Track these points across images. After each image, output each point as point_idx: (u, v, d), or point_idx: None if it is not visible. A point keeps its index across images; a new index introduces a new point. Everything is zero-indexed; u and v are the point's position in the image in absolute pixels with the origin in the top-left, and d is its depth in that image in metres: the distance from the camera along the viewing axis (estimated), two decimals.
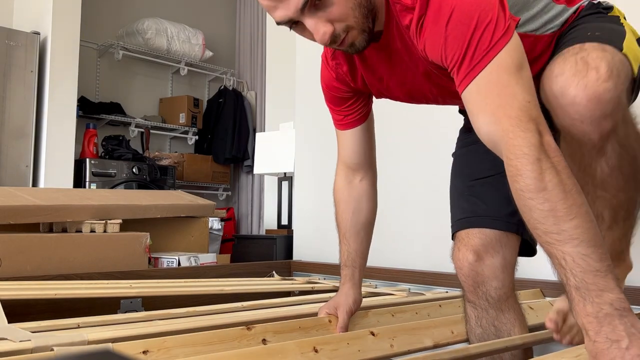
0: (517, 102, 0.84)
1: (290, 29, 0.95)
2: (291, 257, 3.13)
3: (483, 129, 0.87)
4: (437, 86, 1.08)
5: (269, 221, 4.19)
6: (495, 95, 0.85)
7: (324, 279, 2.48)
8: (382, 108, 2.99)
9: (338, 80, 1.17)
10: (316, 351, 1.08)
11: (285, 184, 3.72)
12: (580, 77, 0.87)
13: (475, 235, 1.18)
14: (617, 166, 0.97)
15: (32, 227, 2.22)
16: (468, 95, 0.88)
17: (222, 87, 4.95)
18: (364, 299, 1.63)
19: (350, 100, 1.21)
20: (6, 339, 1.05)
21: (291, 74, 3.73)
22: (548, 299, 1.82)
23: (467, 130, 1.32)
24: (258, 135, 4.02)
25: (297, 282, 2.31)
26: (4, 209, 2.05)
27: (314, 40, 0.95)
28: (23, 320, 1.27)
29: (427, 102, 1.18)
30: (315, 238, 3.01)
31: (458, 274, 1.21)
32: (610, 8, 1.10)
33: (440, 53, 0.91)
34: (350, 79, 1.15)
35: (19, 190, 2.37)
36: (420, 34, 0.93)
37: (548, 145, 0.82)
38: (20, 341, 1.02)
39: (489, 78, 0.86)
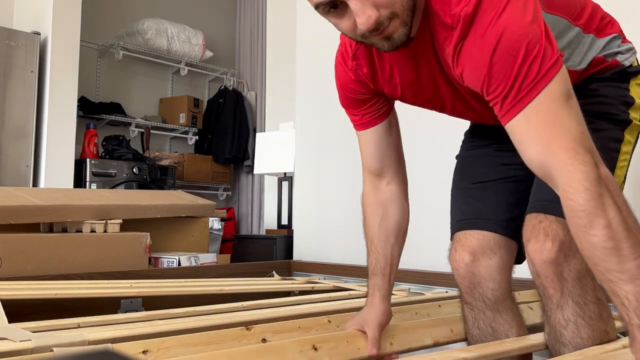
0: (571, 133, 0.84)
1: (328, 12, 0.90)
2: (291, 257, 3.13)
3: (535, 159, 0.87)
4: (463, 103, 1.07)
5: (269, 221, 4.19)
6: (547, 127, 0.85)
7: (324, 279, 2.48)
8: None
9: (357, 82, 1.13)
10: (315, 349, 1.08)
11: (285, 184, 3.72)
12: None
13: (472, 236, 1.18)
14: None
15: (32, 227, 2.22)
16: (516, 125, 0.87)
17: (222, 87, 4.95)
18: (363, 299, 1.63)
19: (368, 102, 1.16)
20: (6, 338, 1.05)
21: (291, 74, 3.73)
22: None
23: (473, 134, 1.32)
24: (258, 135, 4.02)
25: (297, 282, 2.31)
26: (4, 209, 2.05)
27: (348, 29, 0.91)
28: (23, 320, 1.27)
29: (441, 112, 1.16)
30: (315, 238, 3.01)
31: (455, 275, 1.20)
32: (635, 73, 1.10)
33: (481, 82, 0.89)
34: (371, 81, 1.11)
35: (19, 190, 2.37)
36: (458, 58, 0.91)
37: (607, 178, 0.83)
38: (21, 341, 1.02)
39: (539, 109, 0.85)
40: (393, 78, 1.08)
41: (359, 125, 1.19)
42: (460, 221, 1.23)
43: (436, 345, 1.29)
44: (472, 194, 1.24)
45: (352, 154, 2.89)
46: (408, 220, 1.24)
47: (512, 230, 1.17)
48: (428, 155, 2.50)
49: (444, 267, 2.28)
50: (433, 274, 2.20)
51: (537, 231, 1.02)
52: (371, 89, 1.13)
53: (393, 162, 1.21)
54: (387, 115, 1.18)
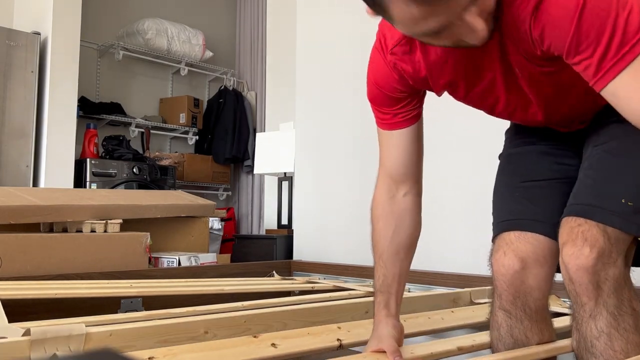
0: None
1: (427, 41, 0.86)
2: (291, 257, 3.13)
3: None
4: (519, 96, 1.01)
5: (269, 221, 4.20)
6: None
7: (324, 278, 2.48)
8: None
9: (395, 78, 1.03)
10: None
11: (285, 184, 3.72)
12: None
13: (526, 240, 1.09)
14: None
15: (33, 227, 2.22)
16: (621, 83, 0.82)
17: (222, 87, 4.95)
18: (366, 299, 1.63)
19: (403, 101, 1.07)
20: (6, 338, 1.05)
21: (291, 74, 3.73)
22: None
23: (518, 131, 1.24)
24: (258, 135, 4.02)
25: (297, 282, 2.32)
26: (4, 209, 2.05)
27: (453, 45, 0.86)
28: (23, 320, 1.27)
29: (490, 111, 1.09)
30: (315, 238, 3.01)
31: (497, 280, 1.10)
32: None
33: (568, 43, 0.83)
34: (411, 77, 1.02)
35: (19, 190, 2.37)
36: (536, 19, 0.84)
37: None
38: (22, 335, 1.02)
39: None
40: (445, 70, 0.99)
41: (389, 124, 1.10)
42: (510, 221, 1.13)
43: (462, 352, 1.26)
44: (524, 192, 1.14)
45: (352, 154, 2.90)
46: (419, 234, 1.17)
47: (555, 230, 1.10)
48: (431, 152, 2.49)
49: (444, 267, 2.28)
50: (433, 273, 2.20)
51: (575, 235, 0.97)
52: (409, 85, 1.04)
53: (415, 169, 1.13)
54: (418, 119, 1.10)
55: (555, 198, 1.11)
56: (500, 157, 1.27)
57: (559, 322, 1.31)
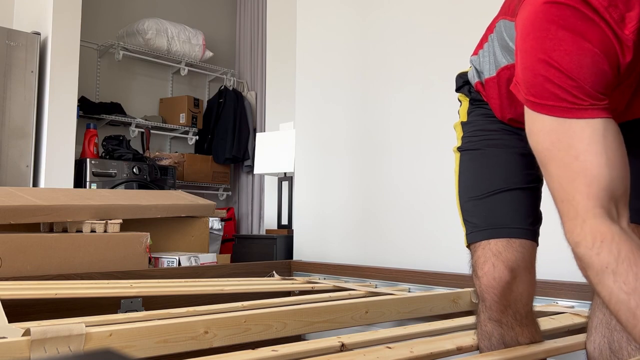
0: None
1: None
2: (291, 257, 3.13)
3: None
4: None
5: (269, 221, 4.20)
6: None
7: (324, 278, 2.48)
8: (384, 106, 2.97)
9: (618, 41, 0.76)
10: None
11: (285, 184, 3.72)
12: None
13: (514, 249, 1.03)
14: None
15: (33, 227, 2.22)
16: None
17: (222, 87, 4.95)
18: (366, 299, 1.63)
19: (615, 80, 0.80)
20: (6, 338, 1.05)
21: (291, 74, 3.73)
22: (559, 301, 1.82)
23: (485, 126, 1.16)
24: (258, 135, 4.02)
25: (297, 282, 2.32)
26: (4, 209, 2.05)
27: None
28: (23, 320, 1.27)
29: None
30: (315, 238, 3.01)
31: (487, 293, 1.06)
32: None
33: None
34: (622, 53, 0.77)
35: (19, 190, 2.37)
36: None
37: None
38: (22, 335, 1.02)
39: None
40: None
41: (595, 110, 0.77)
42: (495, 229, 1.06)
43: (461, 352, 1.25)
44: (502, 197, 1.08)
45: (352, 154, 2.90)
46: None
47: (536, 235, 1.09)
48: (426, 155, 2.50)
49: (444, 267, 2.28)
50: (433, 273, 2.20)
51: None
52: (619, 63, 0.78)
53: (628, 184, 0.78)
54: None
55: (532, 200, 1.10)
56: (462, 150, 1.18)
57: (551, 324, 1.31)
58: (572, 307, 1.74)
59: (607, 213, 0.74)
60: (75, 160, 3.67)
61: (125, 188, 3.90)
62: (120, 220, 2.32)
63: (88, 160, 3.83)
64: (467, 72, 1.22)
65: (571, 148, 0.76)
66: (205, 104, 5.03)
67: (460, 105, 1.25)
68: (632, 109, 0.96)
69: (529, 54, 0.80)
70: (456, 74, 1.28)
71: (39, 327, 1.07)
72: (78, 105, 3.83)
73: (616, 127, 0.78)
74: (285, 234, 3.34)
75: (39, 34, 3.58)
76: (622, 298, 0.69)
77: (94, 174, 3.82)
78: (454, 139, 1.25)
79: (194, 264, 2.48)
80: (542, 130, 0.80)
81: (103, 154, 4.09)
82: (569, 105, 0.77)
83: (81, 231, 2.24)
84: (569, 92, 0.76)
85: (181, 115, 4.73)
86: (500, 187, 1.10)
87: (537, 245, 1.11)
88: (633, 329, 0.69)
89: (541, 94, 0.79)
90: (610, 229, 0.72)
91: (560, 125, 0.77)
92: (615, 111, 0.87)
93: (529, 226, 1.08)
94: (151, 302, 1.83)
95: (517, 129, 1.13)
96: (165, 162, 4.47)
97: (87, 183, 3.80)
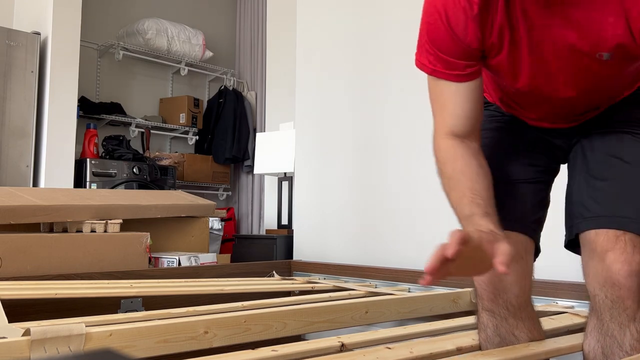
0: None
1: None
2: (291, 257, 3.13)
3: None
4: (586, 73, 0.97)
5: (269, 221, 4.20)
6: None
7: (324, 278, 2.48)
8: (384, 106, 2.96)
9: (475, 21, 0.95)
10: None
11: (285, 184, 3.72)
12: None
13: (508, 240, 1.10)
14: None
15: (33, 227, 2.22)
16: None
17: (222, 87, 4.95)
18: (366, 299, 1.63)
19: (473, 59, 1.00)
20: (6, 338, 1.05)
21: (291, 74, 3.73)
22: (559, 301, 1.82)
23: (487, 123, 1.19)
24: (258, 135, 4.02)
25: (297, 282, 2.32)
26: (4, 209, 2.05)
27: None
28: (23, 320, 1.27)
29: (546, 87, 1.03)
30: (315, 238, 3.01)
31: (476, 280, 1.12)
32: None
33: None
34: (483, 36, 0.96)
35: (19, 190, 2.37)
36: None
37: None
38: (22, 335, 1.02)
39: None
40: (516, 26, 0.94)
41: (458, 76, 1.01)
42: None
43: (461, 352, 1.25)
44: (506, 190, 1.13)
45: (352, 154, 2.90)
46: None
47: (536, 232, 1.13)
48: (425, 154, 2.49)
49: None
50: None
51: (622, 243, 1.00)
52: (480, 44, 0.97)
53: (478, 128, 1.06)
54: (481, 71, 1.03)
55: (530, 197, 1.14)
56: None
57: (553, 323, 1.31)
58: (572, 307, 1.75)
59: (452, 135, 1.06)
60: (75, 160, 3.67)
61: (125, 188, 3.90)
62: (120, 220, 2.32)
63: (88, 160, 3.83)
64: None
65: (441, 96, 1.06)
66: (205, 104, 5.03)
67: None
68: (555, 84, 1.02)
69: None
70: None
71: (39, 327, 1.07)
72: (78, 105, 3.83)
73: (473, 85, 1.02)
74: (285, 234, 3.34)
75: (39, 34, 3.58)
76: (445, 190, 1.09)
77: (94, 174, 3.82)
78: None
79: (194, 264, 2.48)
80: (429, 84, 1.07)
81: (103, 154, 4.09)
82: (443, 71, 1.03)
83: (81, 231, 2.24)
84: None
85: (181, 115, 4.73)
86: (497, 181, 1.12)
87: (535, 241, 1.14)
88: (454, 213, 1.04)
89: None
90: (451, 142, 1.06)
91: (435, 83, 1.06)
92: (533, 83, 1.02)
93: (522, 220, 1.12)
94: (151, 302, 1.83)
95: (515, 127, 1.19)
96: (165, 162, 4.47)
97: (87, 183, 3.80)
